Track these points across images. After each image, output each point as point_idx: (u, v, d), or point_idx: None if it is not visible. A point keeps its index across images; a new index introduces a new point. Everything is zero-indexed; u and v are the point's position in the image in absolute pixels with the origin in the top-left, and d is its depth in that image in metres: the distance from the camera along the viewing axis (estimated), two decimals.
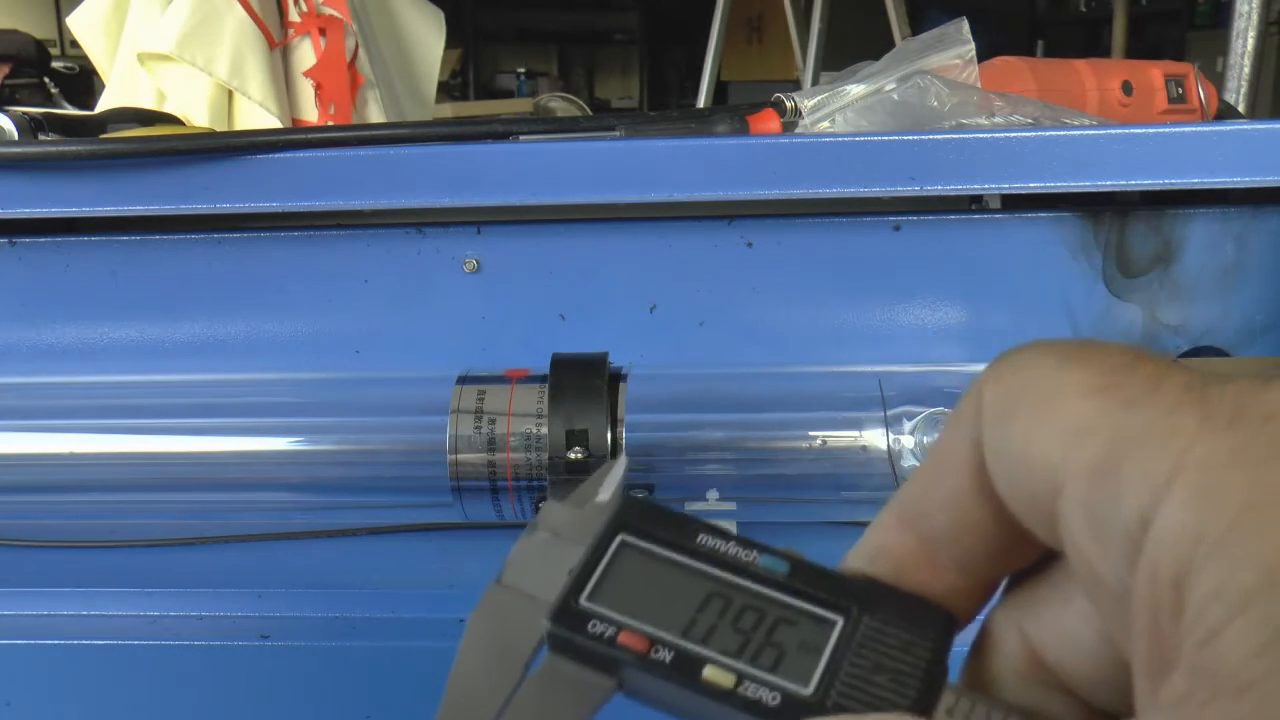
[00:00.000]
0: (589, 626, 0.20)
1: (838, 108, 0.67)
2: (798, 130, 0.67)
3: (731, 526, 0.59)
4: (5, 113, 0.65)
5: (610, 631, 0.20)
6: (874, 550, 0.21)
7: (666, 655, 0.19)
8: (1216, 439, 0.16)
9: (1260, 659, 0.14)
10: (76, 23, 1.18)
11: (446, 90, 3.98)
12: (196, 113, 1.07)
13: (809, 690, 0.19)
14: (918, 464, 0.52)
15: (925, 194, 0.58)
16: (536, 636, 0.21)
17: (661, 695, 0.20)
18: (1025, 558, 0.20)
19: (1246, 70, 1.07)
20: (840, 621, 0.19)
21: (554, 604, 0.20)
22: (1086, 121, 0.62)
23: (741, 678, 0.19)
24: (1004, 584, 0.21)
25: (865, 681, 0.19)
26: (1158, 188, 0.59)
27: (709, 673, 0.19)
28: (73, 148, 0.58)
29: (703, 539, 0.21)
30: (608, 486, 0.23)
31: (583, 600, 0.20)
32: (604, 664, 0.20)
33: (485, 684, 0.20)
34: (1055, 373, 0.18)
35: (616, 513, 0.22)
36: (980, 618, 0.21)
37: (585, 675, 0.20)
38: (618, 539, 0.21)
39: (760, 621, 0.20)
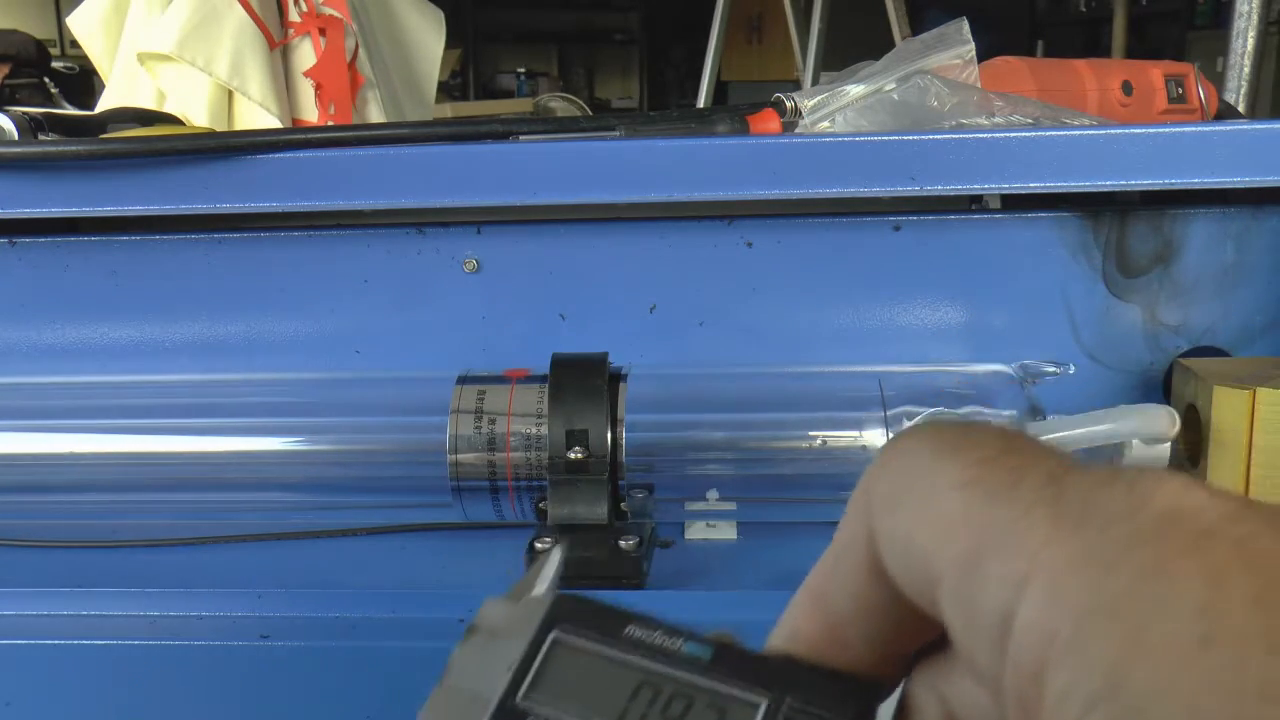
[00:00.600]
0: None
1: (838, 108, 0.67)
2: (798, 130, 0.67)
3: (731, 527, 0.59)
4: (5, 113, 0.65)
5: None
6: (789, 633, 0.21)
7: None
8: (1063, 543, 0.17)
9: None
10: (76, 23, 1.18)
11: (446, 90, 3.97)
12: (196, 113, 1.07)
13: None
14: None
15: (925, 194, 0.58)
16: None
17: None
18: (929, 633, 0.20)
19: (1246, 70, 1.07)
20: (764, 703, 0.20)
21: (493, 706, 0.21)
22: (1086, 121, 0.62)
23: None
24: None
25: None
26: (1158, 188, 0.59)
27: None
28: (73, 148, 0.58)
29: (630, 630, 0.22)
30: (543, 581, 0.24)
31: (519, 699, 0.21)
32: None
33: None
34: (930, 463, 0.19)
35: (549, 609, 0.23)
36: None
37: None
38: (551, 635, 0.22)
39: (688, 708, 0.20)
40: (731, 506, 0.58)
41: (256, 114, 1.09)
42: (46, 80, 2.29)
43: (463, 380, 0.57)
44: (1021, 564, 0.17)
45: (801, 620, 0.21)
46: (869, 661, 0.21)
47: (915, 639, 0.21)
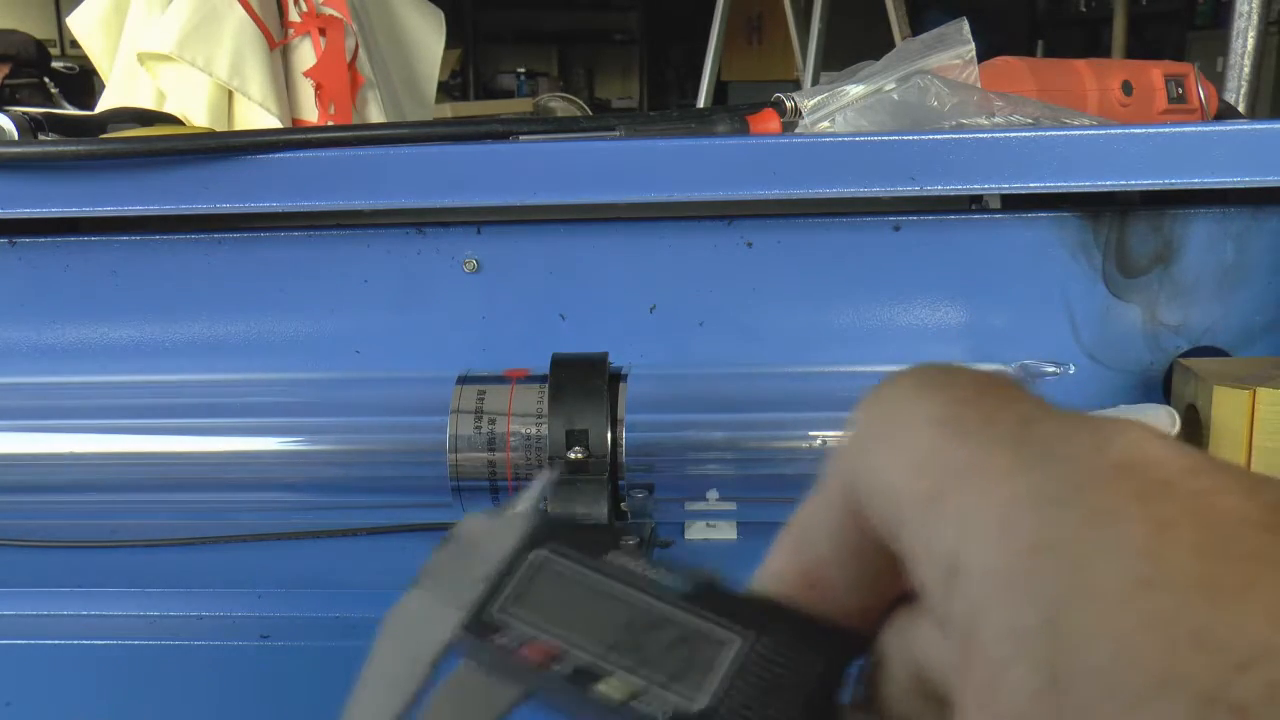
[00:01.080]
0: (496, 637, 0.21)
1: (838, 108, 0.67)
2: (798, 130, 0.67)
3: (731, 527, 0.59)
4: (5, 113, 0.65)
5: (515, 643, 0.21)
6: (771, 574, 0.21)
7: (566, 668, 0.20)
8: (1021, 478, 0.16)
9: (1036, 701, 0.14)
10: (76, 23, 1.18)
11: (446, 90, 3.97)
12: (196, 113, 1.07)
13: (700, 707, 0.19)
14: None
15: (925, 194, 0.58)
16: (444, 642, 0.21)
17: (562, 704, 0.20)
18: (907, 581, 0.20)
19: (1246, 70, 1.07)
20: (739, 641, 0.20)
21: (466, 614, 0.21)
22: (1086, 121, 0.62)
23: (635, 692, 0.20)
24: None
25: (757, 700, 0.19)
26: (1158, 188, 0.59)
27: (604, 686, 0.20)
28: (73, 148, 0.58)
29: (613, 556, 0.22)
30: (527, 500, 0.24)
31: (493, 611, 0.21)
32: (509, 673, 0.21)
33: (392, 684, 0.22)
34: (910, 402, 0.19)
35: (532, 528, 0.23)
36: None
37: (493, 682, 0.21)
38: (532, 553, 0.22)
39: (661, 638, 0.20)
40: (731, 506, 0.58)
41: (256, 114, 1.09)
42: (46, 80, 2.29)
43: (463, 380, 0.57)
44: (977, 501, 0.16)
45: (783, 561, 0.21)
46: (848, 610, 0.20)
47: (894, 587, 0.20)
